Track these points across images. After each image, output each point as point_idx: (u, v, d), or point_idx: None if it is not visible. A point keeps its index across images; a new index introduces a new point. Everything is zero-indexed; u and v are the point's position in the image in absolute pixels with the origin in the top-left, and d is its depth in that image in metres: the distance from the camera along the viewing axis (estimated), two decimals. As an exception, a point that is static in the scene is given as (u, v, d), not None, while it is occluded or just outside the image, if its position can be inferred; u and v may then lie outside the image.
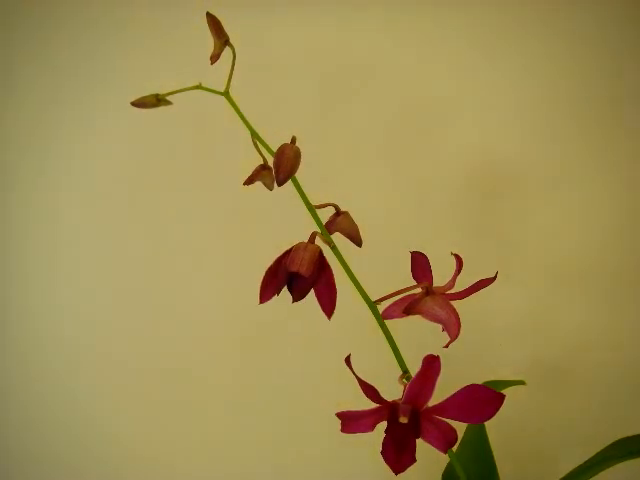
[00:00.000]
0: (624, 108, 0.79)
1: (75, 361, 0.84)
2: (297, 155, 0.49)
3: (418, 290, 0.55)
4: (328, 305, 0.53)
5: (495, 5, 0.80)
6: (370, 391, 0.49)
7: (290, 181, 0.50)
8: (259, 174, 0.54)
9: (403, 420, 0.49)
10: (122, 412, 0.84)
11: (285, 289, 0.51)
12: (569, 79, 0.80)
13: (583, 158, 0.80)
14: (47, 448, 0.84)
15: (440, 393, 0.49)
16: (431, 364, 0.47)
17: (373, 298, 0.54)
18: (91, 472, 0.84)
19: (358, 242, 0.54)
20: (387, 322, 0.55)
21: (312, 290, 0.52)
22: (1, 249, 0.84)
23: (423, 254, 0.58)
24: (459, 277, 0.56)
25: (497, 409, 0.46)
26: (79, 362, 0.84)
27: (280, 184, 0.48)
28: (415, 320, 0.54)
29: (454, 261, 0.58)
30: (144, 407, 0.84)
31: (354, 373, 0.48)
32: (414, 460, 0.50)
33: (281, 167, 0.48)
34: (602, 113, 0.80)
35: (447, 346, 0.50)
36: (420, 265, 0.58)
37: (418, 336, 0.68)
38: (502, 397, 0.46)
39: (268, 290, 0.52)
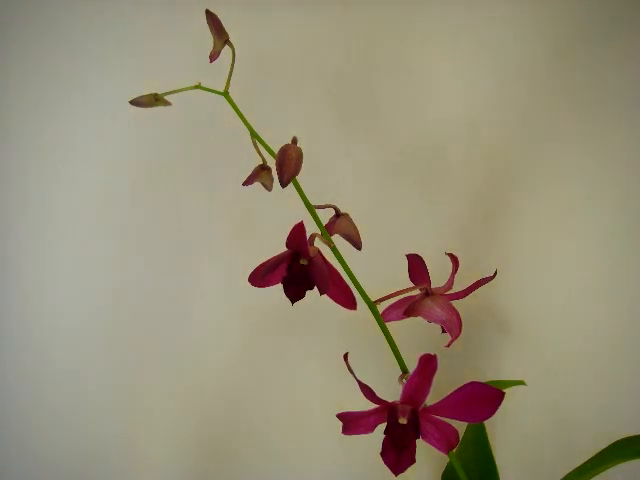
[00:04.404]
0: (623, 102, 0.79)
1: (76, 360, 0.83)
2: (300, 156, 0.48)
3: (417, 291, 0.55)
4: (347, 300, 0.54)
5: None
6: (366, 390, 0.49)
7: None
8: (258, 174, 0.53)
9: (402, 421, 0.49)
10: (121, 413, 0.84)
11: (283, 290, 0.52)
12: (567, 71, 0.80)
13: (580, 151, 0.80)
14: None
15: (442, 393, 0.49)
16: (427, 363, 0.47)
17: (373, 298, 0.54)
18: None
19: (358, 245, 0.51)
20: (387, 322, 0.55)
21: (311, 291, 0.52)
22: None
23: (419, 256, 0.57)
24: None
25: (497, 407, 0.46)
26: (79, 361, 0.83)
27: (284, 185, 0.47)
28: (415, 320, 0.54)
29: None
30: (143, 409, 0.84)
31: (351, 371, 0.48)
32: (414, 461, 0.50)
33: (284, 167, 0.47)
34: (601, 107, 0.79)
35: (448, 345, 0.50)
36: (416, 267, 0.58)
37: (418, 336, 0.68)
38: (502, 394, 0.46)
39: (256, 276, 0.54)
